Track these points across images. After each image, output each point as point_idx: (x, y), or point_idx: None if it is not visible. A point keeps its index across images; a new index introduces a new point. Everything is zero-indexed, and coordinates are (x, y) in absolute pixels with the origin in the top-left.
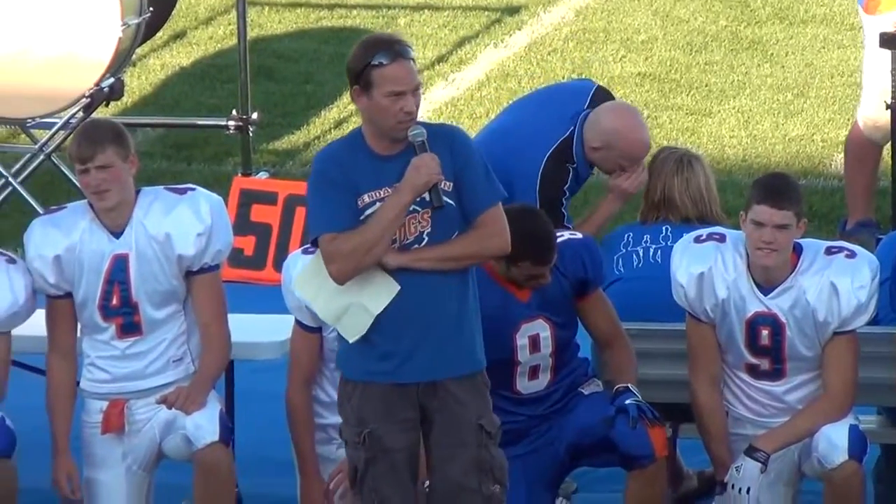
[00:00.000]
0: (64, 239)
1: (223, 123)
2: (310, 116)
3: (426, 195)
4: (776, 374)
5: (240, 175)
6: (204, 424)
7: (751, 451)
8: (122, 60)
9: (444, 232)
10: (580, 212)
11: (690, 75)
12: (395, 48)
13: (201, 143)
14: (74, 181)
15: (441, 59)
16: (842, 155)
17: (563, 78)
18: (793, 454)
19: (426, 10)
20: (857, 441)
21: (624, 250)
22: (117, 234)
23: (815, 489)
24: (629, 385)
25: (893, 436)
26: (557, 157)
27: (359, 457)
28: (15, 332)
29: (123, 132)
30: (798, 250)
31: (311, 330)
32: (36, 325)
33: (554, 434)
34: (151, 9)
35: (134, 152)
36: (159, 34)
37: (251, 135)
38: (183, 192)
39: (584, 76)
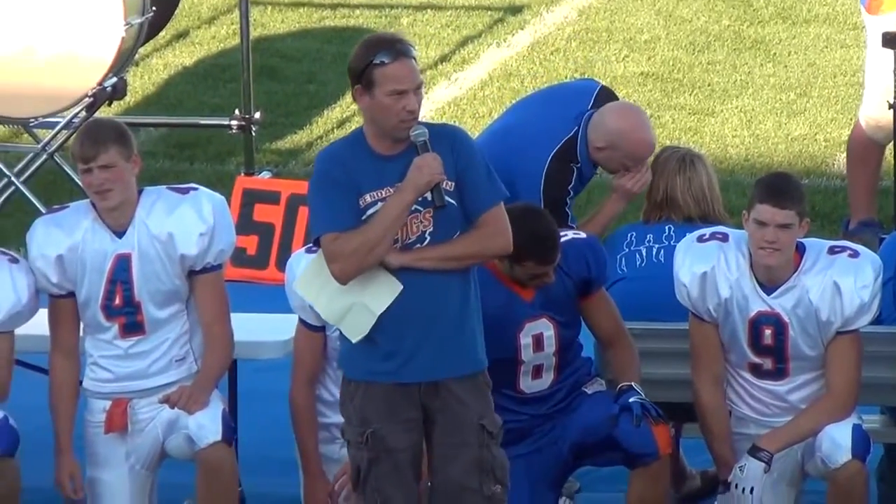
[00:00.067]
0: (66, 238)
1: (226, 123)
2: (312, 116)
3: (428, 195)
4: (779, 373)
5: (242, 175)
6: (206, 424)
7: (754, 451)
8: (124, 60)
9: (445, 231)
10: (584, 211)
11: (693, 75)
12: (396, 47)
13: (204, 143)
14: (77, 181)
15: (444, 59)
16: (844, 154)
17: (566, 77)
18: (796, 454)
19: (429, 10)
20: (861, 441)
21: (627, 250)
22: (120, 233)
23: (818, 489)
24: (633, 384)
25: None
26: (561, 156)
27: (361, 457)
28: (18, 331)
29: (126, 132)
30: (801, 250)
31: (314, 329)
32: (39, 324)
33: (557, 433)
34: (154, 8)
35: (137, 152)
36: (162, 34)
37: (254, 134)
38: (185, 191)
39: (587, 76)
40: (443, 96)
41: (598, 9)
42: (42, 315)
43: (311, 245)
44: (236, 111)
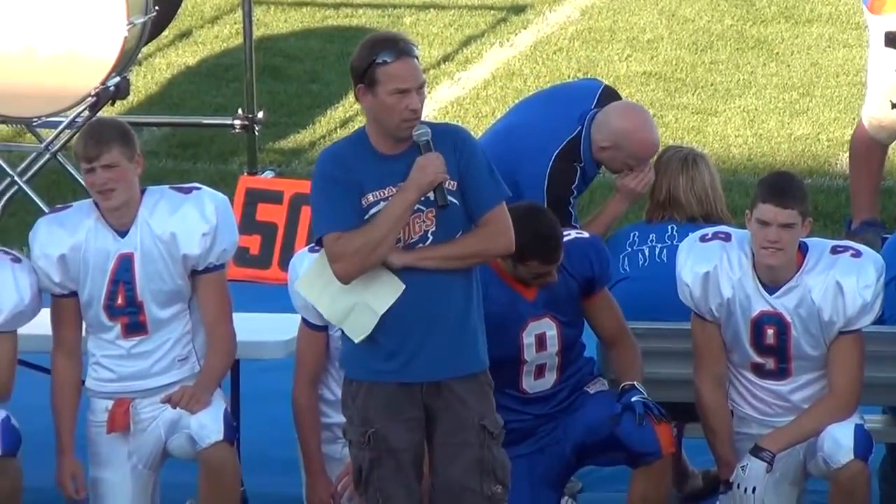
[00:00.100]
0: (69, 238)
1: (229, 122)
2: (315, 115)
3: (431, 194)
4: (781, 373)
5: (245, 174)
6: (208, 424)
7: (756, 451)
8: (127, 59)
9: (448, 231)
10: (587, 211)
11: (696, 74)
12: (399, 46)
13: (207, 142)
14: (80, 180)
15: (446, 59)
16: (847, 154)
17: (569, 77)
18: (798, 454)
19: (432, 10)
20: (863, 440)
21: (630, 249)
22: (122, 233)
23: (820, 489)
24: (635, 383)
25: None
26: (565, 156)
27: (363, 457)
28: (20, 330)
29: (129, 131)
30: (803, 249)
31: (317, 329)
32: (41, 323)
33: (560, 433)
34: (157, 8)
35: (140, 152)
36: (165, 33)
37: (257, 134)
38: (188, 191)
39: (589, 75)
40: (446, 96)
41: (600, 8)
42: (44, 315)
43: (314, 244)
44: (239, 111)
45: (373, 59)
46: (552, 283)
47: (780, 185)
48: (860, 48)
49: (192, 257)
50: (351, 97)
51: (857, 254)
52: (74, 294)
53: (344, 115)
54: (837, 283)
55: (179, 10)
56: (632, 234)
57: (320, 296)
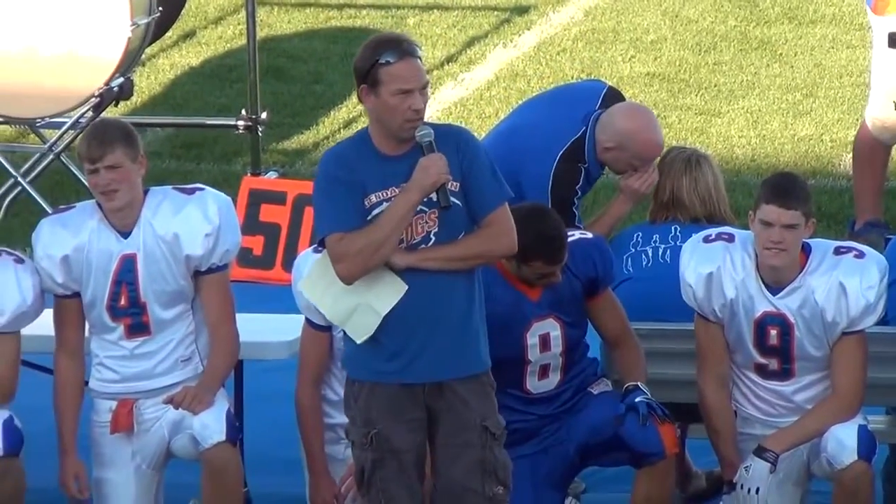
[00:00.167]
0: (72, 239)
1: (232, 123)
2: (319, 116)
3: (433, 195)
4: (785, 373)
5: (249, 175)
6: (211, 424)
7: (760, 451)
8: (131, 60)
9: (450, 232)
10: (590, 212)
11: (699, 75)
12: (402, 46)
13: (210, 143)
14: (84, 181)
15: (450, 59)
16: (850, 155)
17: (573, 78)
18: (802, 454)
19: (435, 10)
20: (866, 441)
21: (633, 250)
22: (125, 234)
23: (824, 489)
24: (639, 384)
25: None
26: (569, 157)
27: (366, 457)
28: (23, 331)
29: (133, 132)
30: (807, 250)
31: (320, 329)
32: (44, 324)
33: (564, 434)
34: (161, 8)
35: (143, 153)
36: (169, 34)
37: (260, 134)
38: (191, 192)
39: (593, 76)
40: (449, 97)
41: (604, 9)
42: (47, 315)
43: (317, 245)
44: (243, 111)
45: (376, 60)
46: (556, 284)
47: (784, 186)
48: (864, 49)
49: (194, 258)
50: (354, 98)
51: (861, 255)
52: (77, 295)
53: (347, 116)
54: (841, 283)
55: (183, 11)
56: (635, 235)
57: (323, 296)
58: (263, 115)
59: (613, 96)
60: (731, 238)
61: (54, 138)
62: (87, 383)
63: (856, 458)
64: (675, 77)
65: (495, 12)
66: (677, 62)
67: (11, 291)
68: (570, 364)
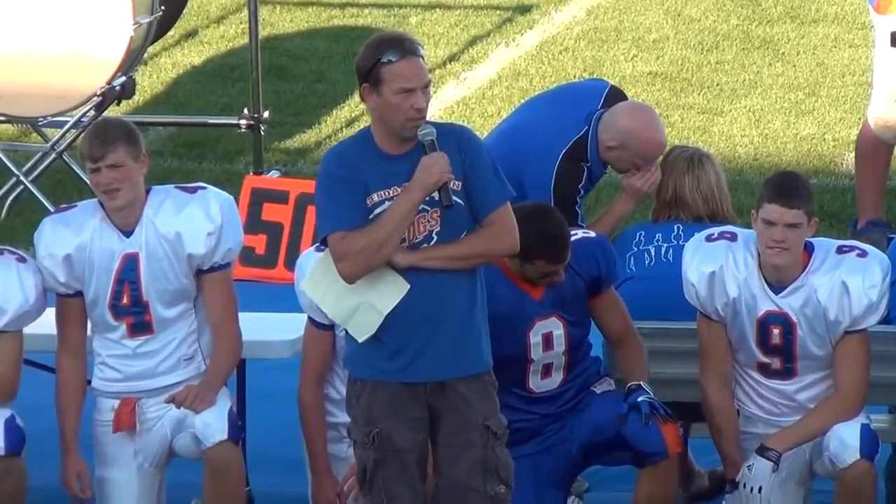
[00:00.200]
0: (74, 238)
1: (234, 122)
2: (321, 115)
3: (436, 194)
4: (787, 372)
5: (251, 174)
6: (212, 423)
7: (762, 451)
8: (133, 59)
9: (453, 231)
10: (593, 211)
11: (702, 74)
12: (404, 45)
13: (213, 142)
14: (86, 180)
15: (452, 58)
16: (853, 154)
17: (575, 77)
18: (804, 453)
19: (437, 9)
20: (869, 440)
21: (636, 249)
22: (128, 233)
23: (827, 488)
24: (641, 383)
25: None
26: (572, 156)
27: (367, 457)
28: (25, 330)
29: (135, 131)
30: (809, 249)
31: (323, 328)
32: (46, 323)
33: (566, 433)
34: (163, 7)
35: (145, 152)
36: (171, 33)
37: (262, 133)
38: (193, 190)
39: (595, 75)
40: (451, 96)
41: (606, 8)
42: (49, 314)
43: (320, 244)
44: (245, 110)
45: (378, 59)
46: (559, 283)
47: (786, 185)
48: (866, 48)
49: (197, 257)
50: (357, 97)
51: (863, 253)
52: (80, 294)
53: (350, 115)
54: (843, 282)
55: (185, 10)
56: (638, 234)
57: (325, 295)
58: (266, 114)
59: (616, 95)
60: (733, 237)
61: (56, 137)
62: (89, 382)
63: (858, 457)
64: (677, 76)
65: (498, 11)
66: (680, 61)
67: (14, 290)
68: (573, 363)
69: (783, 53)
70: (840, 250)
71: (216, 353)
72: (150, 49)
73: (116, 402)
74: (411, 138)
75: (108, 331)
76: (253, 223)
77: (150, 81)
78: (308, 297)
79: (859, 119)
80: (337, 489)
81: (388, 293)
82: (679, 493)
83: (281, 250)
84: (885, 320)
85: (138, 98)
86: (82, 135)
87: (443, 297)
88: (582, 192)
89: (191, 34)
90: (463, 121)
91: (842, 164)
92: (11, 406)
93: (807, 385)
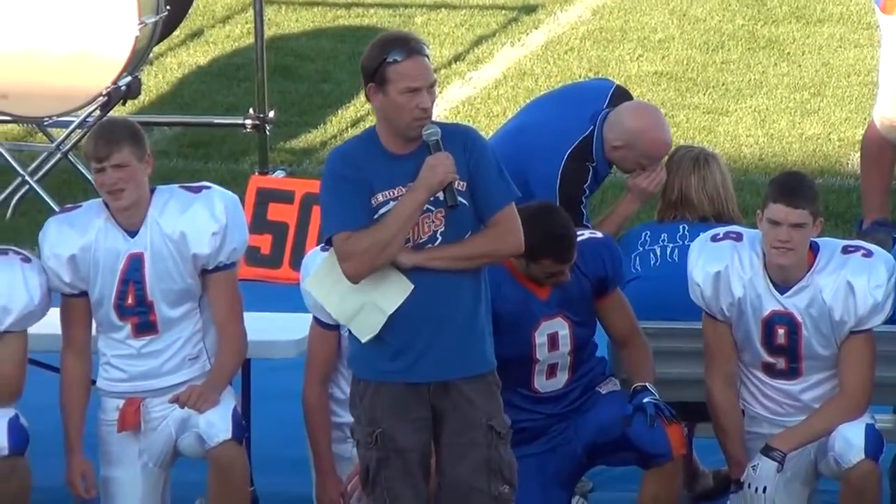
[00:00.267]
0: (79, 238)
1: (240, 122)
2: (326, 115)
3: (440, 194)
4: (792, 372)
5: (256, 174)
6: (216, 422)
7: (767, 451)
8: (139, 59)
9: (457, 231)
10: (598, 211)
11: (707, 74)
12: (409, 45)
13: (218, 142)
14: (91, 180)
15: (458, 58)
16: (858, 154)
17: (580, 77)
18: (809, 453)
19: (443, 9)
20: (874, 440)
21: (641, 249)
22: (132, 233)
23: (832, 488)
24: (647, 384)
25: None
26: (577, 155)
27: (370, 457)
28: (30, 330)
29: (140, 131)
30: (815, 249)
31: (328, 328)
32: (51, 323)
33: (571, 433)
34: (168, 7)
35: (150, 152)
36: (176, 32)
37: (268, 133)
38: (198, 190)
39: (600, 75)
40: (457, 95)
41: (612, 8)
42: (54, 314)
43: (324, 244)
44: (250, 110)
45: (383, 58)
46: (565, 283)
47: (791, 185)
48: (871, 48)
49: (201, 256)
50: (362, 97)
51: (869, 253)
52: (84, 294)
53: (355, 115)
54: (848, 282)
55: (191, 10)
56: (643, 234)
57: (329, 295)
58: (271, 114)
59: (621, 95)
60: (738, 237)
61: (62, 137)
62: (94, 382)
63: (863, 456)
64: (682, 76)
65: (503, 11)
66: (685, 61)
67: (18, 290)
68: (579, 363)
69: (788, 53)
70: (845, 250)
71: (221, 353)
72: (156, 49)
73: (121, 402)
74: (416, 138)
75: (112, 331)
76: (258, 223)
77: (155, 81)
78: (313, 297)
79: (865, 119)
80: (341, 489)
81: (392, 293)
82: (684, 492)
83: (286, 250)
84: (891, 320)
85: (144, 98)
86: (87, 135)
87: (447, 297)
88: (587, 191)
89: (196, 34)
90: (468, 121)
91: (847, 163)
92: (16, 406)
93: (812, 385)
